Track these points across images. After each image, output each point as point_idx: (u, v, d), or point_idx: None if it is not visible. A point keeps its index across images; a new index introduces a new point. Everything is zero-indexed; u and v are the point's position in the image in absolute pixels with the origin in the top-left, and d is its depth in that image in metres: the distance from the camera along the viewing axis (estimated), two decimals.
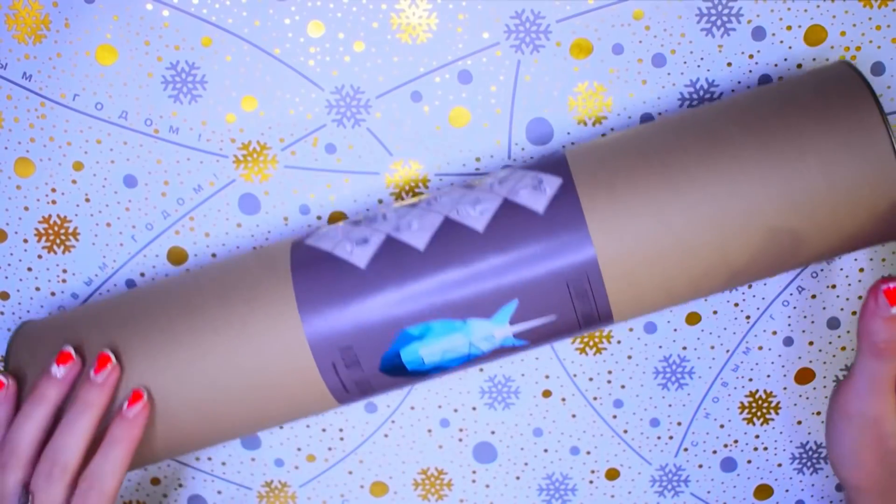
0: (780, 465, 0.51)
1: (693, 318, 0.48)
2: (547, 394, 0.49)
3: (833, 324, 0.48)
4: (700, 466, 0.51)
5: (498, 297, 0.38)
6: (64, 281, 0.48)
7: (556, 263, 0.37)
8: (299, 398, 0.40)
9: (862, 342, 0.37)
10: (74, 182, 0.46)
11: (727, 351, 0.49)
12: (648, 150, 0.38)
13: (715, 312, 0.48)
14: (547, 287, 0.38)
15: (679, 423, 0.50)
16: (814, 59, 0.44)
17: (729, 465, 0.51)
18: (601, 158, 0.39)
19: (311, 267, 0.40)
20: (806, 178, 0.36)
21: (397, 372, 0.40)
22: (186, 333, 0.40)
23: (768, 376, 0.49)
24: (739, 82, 0.44)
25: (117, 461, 0.39)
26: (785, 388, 0.49)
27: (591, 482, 0.51)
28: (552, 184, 0.38)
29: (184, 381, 0.40)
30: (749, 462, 0.51)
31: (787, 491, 0.51)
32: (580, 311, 0.38)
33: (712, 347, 0.49)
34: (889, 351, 0.37)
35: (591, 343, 0.48)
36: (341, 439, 0.50)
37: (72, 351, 0.40)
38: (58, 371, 0.40)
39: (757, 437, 0.50)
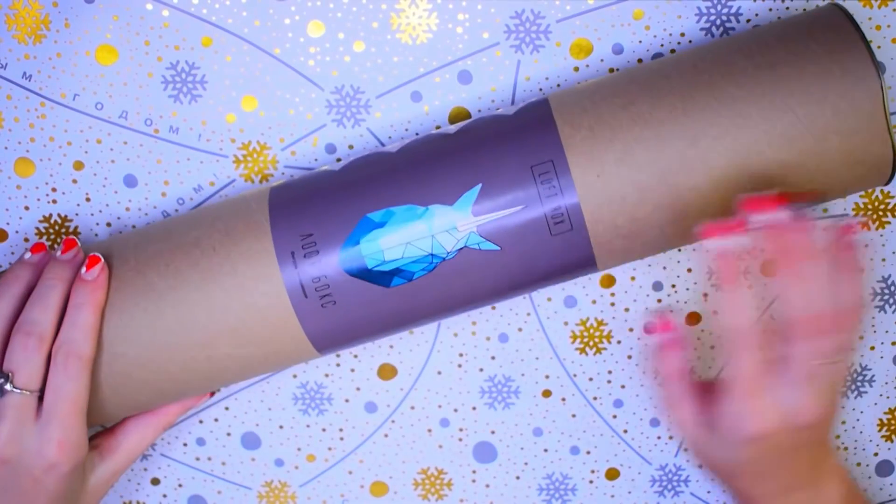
0: None
1: (693, 318, 0.48)
2: (547, 394, 0.49)
3: None
4: (700, 466, 0.51)
5: (460, 181, 0.38)
6: None
7: (520, 143, 0.37)
8: (260, 313, 0.39)
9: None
10: (74, 182, 0.46)
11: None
12: (627, 81, 0.38)
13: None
14: (510, 168, 0.37)
15: None
16: None
17: None
18: (586, 96, 0.39)
19: (287, 183, 0.41)
20: (789, 120, 0.36)
21: (357, 269, 0.38)
22: (153, 258, 0.40)
23: None
24: None
25: (87, 325, 0.39)
26: None
27: (591, 482, 0.51)
28: (527, 108, 0.39)
29: (150, 312, 0.40)
30: None
31: None
32: (544, 197, 0.37)
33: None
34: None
35: (591, 343, 0.48)
36: (341, 439, 0.50)
37: (44, 242, 0.43)
38: (31, 257, 0.42)
39: None
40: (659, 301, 0.48)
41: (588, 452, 0.51)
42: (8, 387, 0.39)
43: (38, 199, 0.47)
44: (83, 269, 0.40)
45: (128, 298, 0.40)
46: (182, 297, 0.39)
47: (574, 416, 0.50)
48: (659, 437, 0.50)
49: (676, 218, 0.38)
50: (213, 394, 0.47)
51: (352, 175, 0.39)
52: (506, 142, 0.38)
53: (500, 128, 0.38)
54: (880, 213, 0.46)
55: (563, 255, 0.38)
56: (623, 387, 0.49)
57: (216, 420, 0.50)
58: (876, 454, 0.51)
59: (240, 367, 0.41)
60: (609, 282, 0.47)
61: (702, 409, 0.40)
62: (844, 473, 0.42)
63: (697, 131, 0.36)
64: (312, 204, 0.39)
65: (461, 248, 0.38)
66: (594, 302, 0.48)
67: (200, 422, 0.50)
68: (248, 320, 0.39)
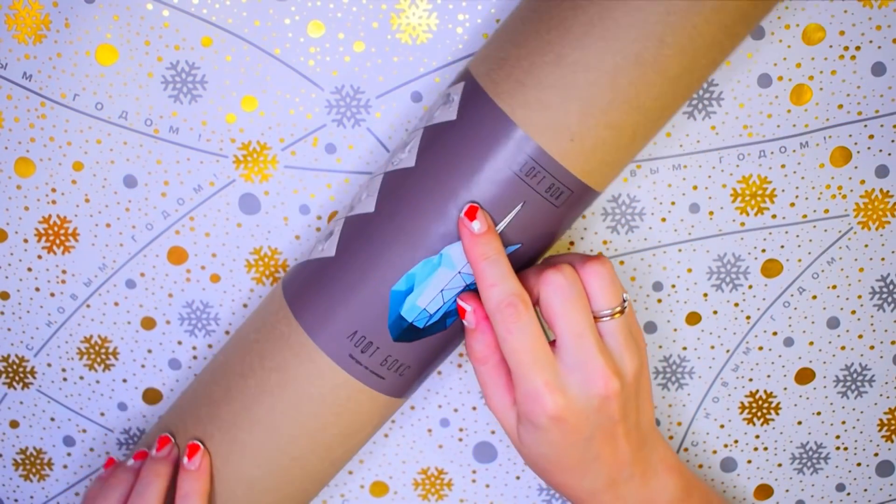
0: (780, 465, 0.51)
1: (693, 318, 0.48)
2: None
3: (833, 324, 0.48)
4: (700, 466, 0.51)
5: (453, 215, 0.37)
6: (63, 282, 0.48)
7: (489, 153, 0.37)
8: (349, 411, 0.41)
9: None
10: (74, 182, 0.46)
11: (727, 351, 0.49)
12: (541, 18, 0.37)
13: (715, 312, 0.48)
14: (493, 179, 0.37)
15: (679, 423, 0.50)
16: (812, 59, 0.44)
17: (729, 465, 0.51)
18: (491, 44, 0.38)
19: (298, 284, 0.41)
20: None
21: (412, 334, 0.39)
22: (231, 415, 0.42)
23: (768, 376, 0.49)
24: (739, 81, 0.44)
25: None
26: (785, 388, 0.49)
27: None
28: (457, 90, 0.39)
29: (249, 456, 0.41)
30: (749, 462, 0.51)
31: (787, 491, 0.51)
32: (539, 187, 0.37)
33: (712, 347, 0.49)
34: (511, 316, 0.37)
35: None
36: None
37: (145, 450, 0.44)
38: (133, 463, 0.44)
39: (757, 437, 0.50)
40: (659, 301, 0.48)
41: None
42: None
43: (38, 200, 0.47)
44: (185, 459, 0.41)
45: (240, 462, 0.41)
46: (282, 440, 0.41)
47: None
48: None
49: (654, 123, 0.37)
50: None
51: (351, 256, 0.39)
52: (472, 156, 0.37)
53: (455, 141, 0.38)
54: (880, 212, 0.46)
55: (575, 210, 0.39)
56: None
57: None
58: (876, 454, 0.51)
59: (356, 450, 0.43)
60: None
61: (510, 396, 0.39)
62: (680, 465, 0.42)
63: (636, 48, 0.35)
64: (340, 305, 0.39)
65: None
66: None
67: None
68: (347, 423, 0.41)
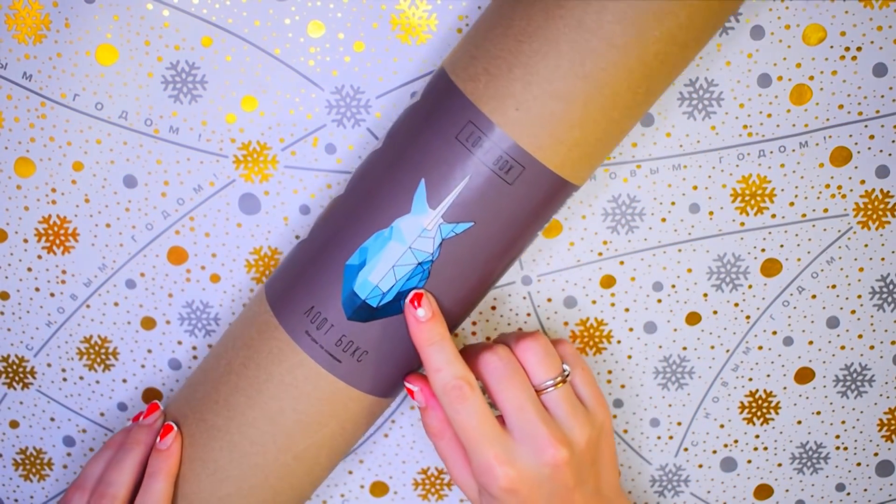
0: (780, 465, 0.51)
1: (693, 318, 0.48)
2: None
3: (833, 323, 0.48)
4: (700, 466, 0.51)
5: (405, 187, 0.37)
6: (63, 282, 0.48)
7: (436, 122, 0.37)
8: (306, 395, 0.40)
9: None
10: (74, 182, 0.46)
11: (727, 351, 0.49)
12: (497, 11, 0.37)
13: (715, 312, 0.48)
14: (439, 150, 0.37)
15: (679, 423, 0.50)
16: (813, 59, 0.44)
17: (729, 465, 0.51)
18: (461, 41, 0.39)
19: (276, 270, 0.42)
20: None
21: (366, 313, 0.39)
22: (202, 395, 0.42)
23: (768, 376, 0.49)
24: (739, 81, 0.44)
25: (159, 492, 0.41)
26: (785, 388, 0.49)
27: None
28: (427, 79, 0.40)
29: (214, 439, 0.41)
30: (749, 462, 0.51)
31: (787, 491, 0.51)
32: (486, 160, 0.37)
33: (712, 347, 0.49)
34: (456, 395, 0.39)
35: (591, 343, 0.48)
36: None
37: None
38: (129, 425, 0.45)
39: (757, 437, 0.50)
40: (659, 301, 0.48)
41: None
42: None
43: (38, 200, 0.47)
44: (158, 439, 0.42)
45: (205, 446, 0.42)
46: (243, 422, 0.41)
47: None
48: (659, 437, 0.50)
49: (611, 103, 0.36)
50: None
51: (317, 235, 0.40)
52: (423, 128, 0.38)
53: (413, 117, 0.39)
54: (880, 212, 0.46)
55: (532, 193, 0.38)
56: (623, 387, 0.49)
57: None
58: (876, 454, 0.51)
59: (328, 450, 0.42)
60: (609, 282, 0.47)
61: (469, 468, 0.40)
62: None
63: (579, 15, 0.35)
64: (299, 280, 0.40)
65: (441, 243, 0.38)
66: (594, 302, 0.48)
67: None
68: (306, 408, 0.40)
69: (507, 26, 0.36)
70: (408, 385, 0.40)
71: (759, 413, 0.50)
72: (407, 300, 0.38)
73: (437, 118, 0.37)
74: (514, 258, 0.41)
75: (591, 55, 0.35)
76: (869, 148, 0.45)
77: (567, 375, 0.40)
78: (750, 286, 0.47)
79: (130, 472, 0.42)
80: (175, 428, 0.42)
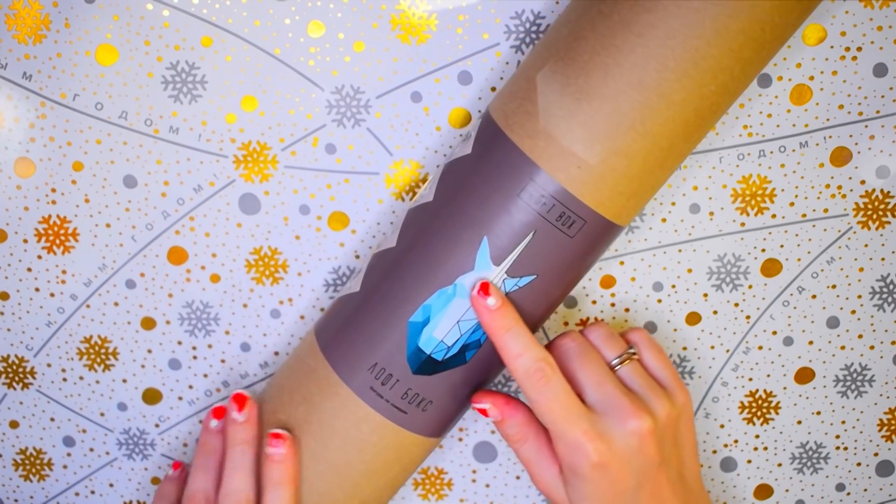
0: (780, 465, 0.51)
1: (693, 318, 0.48)
2: None
3: (833, 323, 0.48)
4: (700, 466, 0.51)
5: (467, 245, 0.38)
6: (63, 282, 0.48)
7: (498, 182, 0.37)
8: (371, 445, 0.41)
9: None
10: (74, 182, 0.46)
11: (727, 351, 0.49)
12: (551, 68, 0.37)
13: (715, 312, 0.48)
14: (503, 207, 0.37)
15: None
16: (813, 59, 0.44)
17: (729, 464, 0.51)
18: (507, 82, 0.39)
19: (326, 319, 0.42)
20: (714, 13, 0.35)
21: (431, 367, 0.39)
22: None
23: (768, 376, 0.49)
24: None
25: (287, 500, 0.40)
26: (785, 388, 0.49)
27: None
28: (475, 127, 0.39)
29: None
30: (749, 462, 0.51)
31: (787, 491, 0.51)
32: (548, 216, 0.37)
33: (712, 347, 0.49)
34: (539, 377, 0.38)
35: None
36: None
37: (223, 405, 0.44)
38: (216, 424, 0.44)
39: (757, 437, 0.50)
40: (659, 301, 0.48)
41: None
42: None
43: (38, 200, 0.47)
44: (267, 448, 0.41)
45: None
46: (309, 475, 0.41)
47: None
48: None
49: (668, 152, 0.37)
50: None
51: (374, 289, 0.40)
52: (482, 185, 0.38)
53: (469, 173, 0.38)
54: (880, 213, 0.46)
55: (590, 242, 0.39)
56: None
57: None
58: (876, 454, 0.51)
59: (390, 490, 0.43)
60: (609, 282, 0.47)
61: (555, 465, 0.40)
62: None
63: (638, 73, 0.36)
64: (360, 337, 0.40)
65: (505, 295, 0.39)
66: (594, 302, 0.48)
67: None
68: (371, 458, 0.41)
69: (565, 84, 0.36)
70: (478, 406, 0.40)
71: (759, 413, 0.50)
72: (474, 292, 0.38)
73: (496, 176, 0.37)
74: (565, 298, 0.42)
75: (651, 112, 0.36)
76: (869, 148, 0.45)
77: (633, 353, 0.41)
78: (750, 286, 0.47)
79: (252, 475, 0.41)
80: (287, 435, 0.41)
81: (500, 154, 0.37)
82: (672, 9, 0.35)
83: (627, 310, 0.48)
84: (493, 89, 0.44)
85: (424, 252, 0.39)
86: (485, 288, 0.38)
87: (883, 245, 0.47)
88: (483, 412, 0.40)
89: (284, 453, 0.40)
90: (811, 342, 0.48)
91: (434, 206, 0.39)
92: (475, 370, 0.40)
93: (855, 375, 0.49)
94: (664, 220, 0.46)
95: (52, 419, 0.51)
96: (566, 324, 0.48)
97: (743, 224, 0.46)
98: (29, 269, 0.48)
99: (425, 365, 0.39)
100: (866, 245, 0.47)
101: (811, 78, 0.44)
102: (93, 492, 0.52)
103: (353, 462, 0.41)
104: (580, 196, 0.37)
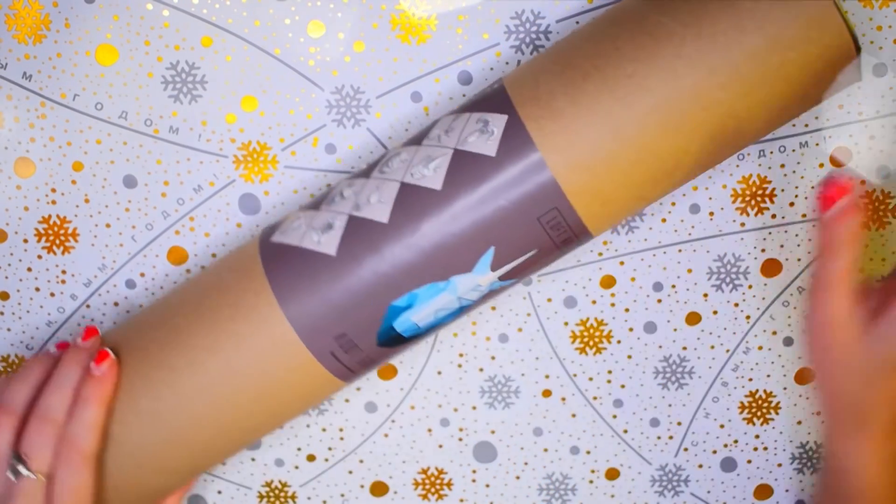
0: (780, 465, 0.51)
1: (693, 318, 0.48)
2: (547, 393, 0.49)
3: None
4: (700, 466, 0.51)
5: (473, 249, 0.38)
6: (63, 282, 0.48)
7: (521, 200, 0.37)
8: (304, 389, 0.41)
9: (821, 245, 0.38)
10: (74, 182, 0.46)
11: (727, 351, 0.49)
12: (582, 59, 0.37)
13: (715, 312, 0.48)
14: (518, 225, 0.37)
15: (679, 423, 0.50)
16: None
17: (729, 465, 0.51)
18: (539, 80, 0.38)
19: (284, 266, 0.40)
20: (745, 46, 0.35)
21: (395, 342, 0.40)
22: (181, 357, 0.40)
23: (768, 376, 0.49)
24: None
25: (90, 420, 0.39)
26: (785, 388, 0.49)
27: (591, 482, 0.51)
28: (498, 123, 0.38)
29: (189, 402, 0.40)
30: (749, 462, 0.51)
31: (787, 491, 0.51)
32: (556, 238, 0.38)
33: (712, 347, 0.49)
34: (827, 250, 0.37)
35: (591, 343, 0.48)
36: (341, 439, 0.50)
37: (69, 341, 0.43)
38: (54, 351, 0.43)
39: (757, 437, 0.50)
40: (659, 301, 0.48)
41: (588, 452, 0.51)
42: (22, 470, 0.39)
43: (38, 200, 0.47)
44: (92, 364, 0.40)
45: (154, 385, 0.41)
46: (214, 379, 0.40)
47: (574, 415, 0.50)
48: (659, 437, 0.50)
49: (665, 185, 0.38)
50: None
51: (354, 261, 0.39)
52: (505, 198, 0.37)
53: (490, 178, 0.37)
54: (880, 213, 0.46)
55: (568, 252, 0.40)
56: (623, 387, 0.49)
57: None
58: None
59: (283, 419, 0.43)
60: (609, 282, 0.47)
61: (863, 305, 0.37)
62: None
63: (676, 129, 0.36)
64: (332, 304, 0.39)
65: (485, 294, 0.40)
66: (594, 302, 0.48)
67: None
68: (305, 404, 0.42)
69: (603, 123, 0.36)
70: (841, 183, 0.38)
71: (759, 413, 0.50)
72: (820, 202, 0.38)
73: (522, 196, 0.37)
74: None
75: (671, 163, 0.37)
76: (869, 148, 0.45)
77: None
78: (750, 286, 0.47)
79: (70, 396, 0.40)
80: (111, 355, 0.40)
81: (530, 174, 0.37)
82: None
83: (627, 310, 0.48)
84: None
85: (425, 244, 0.38)
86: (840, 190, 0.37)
87: (883, 245, 0.47)
88: (843, 189, 0.38)
89: (104, 373, 0.40)
90: None
91: (442, 198, 0.38)
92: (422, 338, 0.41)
93: None
94: (664, 220, 0.46)
95: None
96: (566, 324, 0.48)
97: (743, 224, 0.46)
98: (29, 269, 0.48)
99: (391, 339, 0.40)
100: (866, 245, 0.47)
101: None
102: None
103: (294, 406, 0.41)
104: (593, 230, 0.38)
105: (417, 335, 0.40)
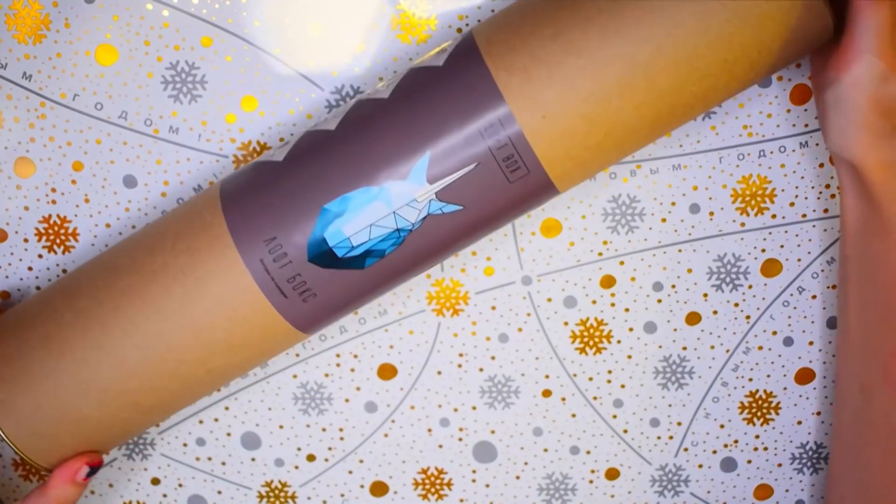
0: (780, 465, 0.51)
1: (693, 318, 0.48)
2: (547, 393, 0.49)
3: (833, 324, 0.48)
4: (700, 466, 0.51)
5: (408, 154, 0.37)
6: None
7: (461, 103, 0.37)
8: (241, 318, 0.39)
9: None
10: (74, 182, 0.46)
11: (727, 351, 0.49)
12: (553, 7, 0.37)
13: (715, 312, 0.48)
14: (457, 129, 0.37)
15: (679, 423, 0.50)
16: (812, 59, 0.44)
17: (729, 465, 0.51)
18: (500, 12, 0.39)
19: (235, 178, 0.40)
20: (724, 17, 0.35)
21: (327, 260, 0.38)
22: (127, 287, 0.40)
23: (768, 376, 0.49)
24: None
25: None
26: (785, 388, 0.49)
27: (591, 482, 0.51)
28: (453, 44, 0.38)
29: (130, 334, 0.40)
30: (749, 462, 0.51)
31: (787, 491, 0.51)
32: (497, 151, 0.37)
33: (712, 347, 0.49)
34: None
35: (591, 343, 0.48)
36: (341, 439, 0.50)
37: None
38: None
39: (757, 437, 0.50)
40: (659, 301, 0.48)
41: (588, 452, 0.51)
42: None
43: (38, 200, 0.47)
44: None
45: (116, 338, 0.40)
46: (167, 327, 0.39)
47: (574, 415, 0.50)
48: (659, 437, 0.50)
49: (629, 135, 0.37)
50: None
51: (297, 165, 0.39)
52: (444, 101, 0.37)
53: (434, 85, 0.37)
54: None
55: (524, 194, 0.38)
56: (623, 387, 0.49)
57: (216, 420, 0.50)
58: None
59: (239, 370, 0.42)
60: (609, 282, 0.47)
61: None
62: None
63: (633, 49, 0.36)
64: (268, 205, 0.39)
65: (425, 217, 0.38)
66: (594, 302, 0.48)
67: (200, 422, 0.50)
68: (237, 331, 0.40)
69: (559, 32, 0.36)
70: None
71: (759, 413, 0.50)
72: None
73: (460, 97, 0.37)
74: (473, 242, 0.41)
75: (631, 91, 0.36)
76: None
77: None
78: (750, 286, 0.47)
79: None
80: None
81: (472, 77, 0.37)
82: (688, 1, 0.35)
83: (627, 310, 0.48)
84: None
85: (362, 144, 0.38)
86: None
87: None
88: None
89: None
90: (811, 342, 0.48)
91: (387, 103, 0.38)
92: (368, 279, 0.39)
93: None
94: (664, 220, 0.46)
95: None
96: (566, 324, 0.48)
97: (743, 224, 0.46)
98: (29, 269, 0.48)
99: (322, 256, 0.38)
100: None
101: (811, 77, 0.44)
102: (92, 492, 0.52)
103: (216, 328, 0.40)
104: (534, 146, 0.37)
105: (351, 258, 0.38)
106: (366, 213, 0.38)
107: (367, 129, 0.38)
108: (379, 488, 0.51)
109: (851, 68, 0.37)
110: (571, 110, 0.36)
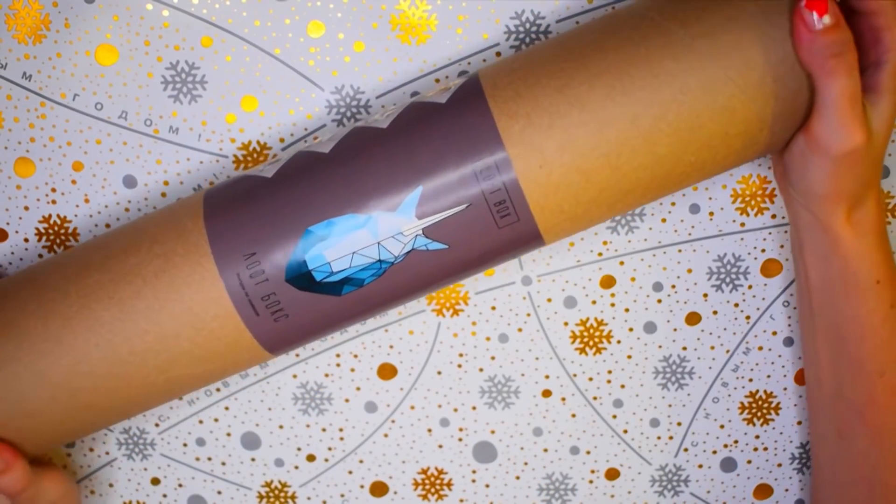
0: (780, 465, 0.51)
1: (693, 318, 0.48)
2: (547, 393, 0.49)
3: None
4: (700, 466, 0.51)
5: (401, 186, 0.37)
6: None
7: (459, 142, 0.36)
8: (208, 331, 0.39)
9: (812, 69, 0.35)
10: (74, 182, 0.46)
11: (727, 351, 0.49)
12: (561, 59, 0.37)
13: (715, 312, 0.48)
14: (452, 168, 0.36)
15: (679, 423, 0.50)
16: None
17: (729, 465, 0.51)
18: (508, 58, 0.39)
19: (221, 189, 0.40)
20: (730, 91, 0.35)
21: (305, 282, 0.38)
22: (97, 285, 0.40)
23: (768, 376, 0.49)
24: None
25: None
26: (785, 389, 0.49)
27: (591, 482, 0.51)
28: (458, 83, 0.38)
29: (95, 331, 0.39)
30: (749, 462, 0.51)
31: (786, 491, 0.51)
32: (489, 195, 0.37)
33: (712, 347, 0.49)
34: (840, 63, 0.35)
35: (591, 343, 0.48)
36: (341, 439, 0.50)
37: None
38: None
39: (757, 437, 0.50)
40: (659, 301, 0.48)
41: (588, 452, 0.51)
42: None
43: (38, 200, 0.47)
44: None
45: (80, 334, 0.39)
46: (133, 330, 0.39)
47: (574, 416, 0.50)
48: (659, 438, 0.50)
49: (622, 196, 0.37)
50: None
51: (286, 184, 0.38)
52: (442, 138, 0.37)
53: (435, 121, 0.37)
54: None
55: (510, 242, 0.38)
56: (623, 387, 0.49)
57: (216, 420, 0.50)
58: None
59: (199, 382, 0.41)
60: (609, 282, 0.47)
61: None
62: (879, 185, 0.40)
63: (638, 110, 0.36)
64: (251, 220, 0.38)
65: (409, 252, 0.38)
66: (594, 302, 0.48)
67: (200, 422, 0.50)
68: (203, 342, 0.39)
69: (566, 84, 0.36)
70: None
71: (759, 413, 0.50)
72: (797, 15, 0.35)
73: (460, 136, 0.37)
74: (453, 282, 0.41)
75: (630, 150, 0.36)
76: None
77: None
78: (750, 286, 0.47)
79: None
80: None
81: (473, 118, 0.37)
82: (697, 68, 0.35)
83: (627, 310, 0.48)
84: None
85: (355, 171, 0.37)
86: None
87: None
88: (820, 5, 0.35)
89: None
90: None
91: (384, 133, 0.38)
92: (343, 307, 0.39)
93: None
94: (664, 220, 0.46)
95: None
96: (566, 324, 0.48)
97: (743, 224, 0.46)
98: None
99: (300, 278, 0.38)
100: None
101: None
102: (92, 492, 0.52)
103: (181, 337, 0.39)
104: (528, 194, 0.37)
105: (329, 283, 0.38)
106: (350, 240, 0.37)
107: (361, 156, 0.38)
108: (379, 488, 0.51)
109: (815, 132, 0.37)
110: (570, 163, 0.36)
